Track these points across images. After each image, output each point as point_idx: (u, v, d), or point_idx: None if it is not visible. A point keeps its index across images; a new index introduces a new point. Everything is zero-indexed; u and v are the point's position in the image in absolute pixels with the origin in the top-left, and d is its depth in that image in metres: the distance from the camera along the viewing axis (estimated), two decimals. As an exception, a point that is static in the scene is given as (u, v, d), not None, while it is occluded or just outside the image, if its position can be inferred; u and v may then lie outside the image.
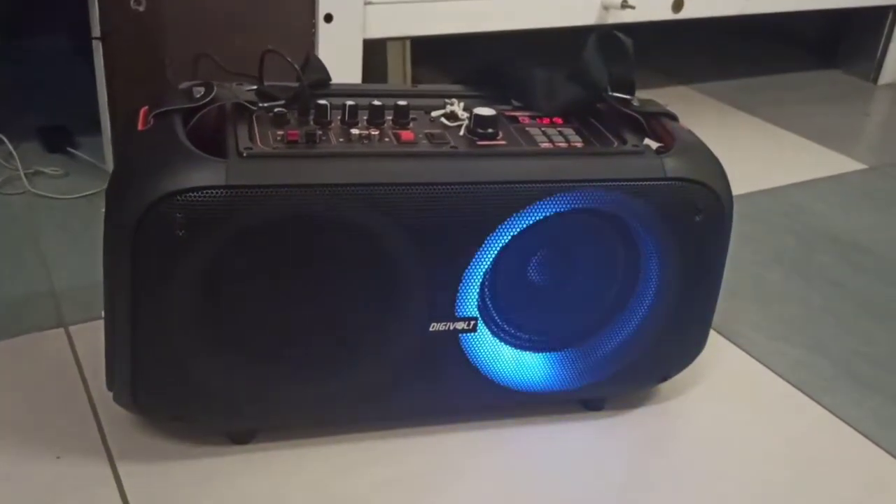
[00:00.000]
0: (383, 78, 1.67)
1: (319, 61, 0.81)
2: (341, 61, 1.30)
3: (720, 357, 0.97)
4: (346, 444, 0.79)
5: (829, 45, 2.14)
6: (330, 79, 0.81)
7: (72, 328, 0.92)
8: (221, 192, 0.65)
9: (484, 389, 0.79)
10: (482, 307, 0.76)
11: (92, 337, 0.89)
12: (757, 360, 0.98)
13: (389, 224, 0.69)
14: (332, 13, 1.27)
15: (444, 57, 1.74)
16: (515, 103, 0.83)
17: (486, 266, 0.73)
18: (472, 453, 0.80)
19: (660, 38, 1.80)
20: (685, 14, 1.62)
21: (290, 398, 0.75)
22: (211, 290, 0.68)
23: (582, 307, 0.80)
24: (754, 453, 0.83)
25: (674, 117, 0.83)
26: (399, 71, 1.67)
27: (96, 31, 1.14)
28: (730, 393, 0.92)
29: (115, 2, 1.11)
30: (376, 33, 1.37)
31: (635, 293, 0.80)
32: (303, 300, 0.71)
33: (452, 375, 0.77)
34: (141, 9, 1.13)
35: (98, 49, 1.15)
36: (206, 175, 0.65)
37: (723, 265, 0.80)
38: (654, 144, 0.80)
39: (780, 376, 0.95)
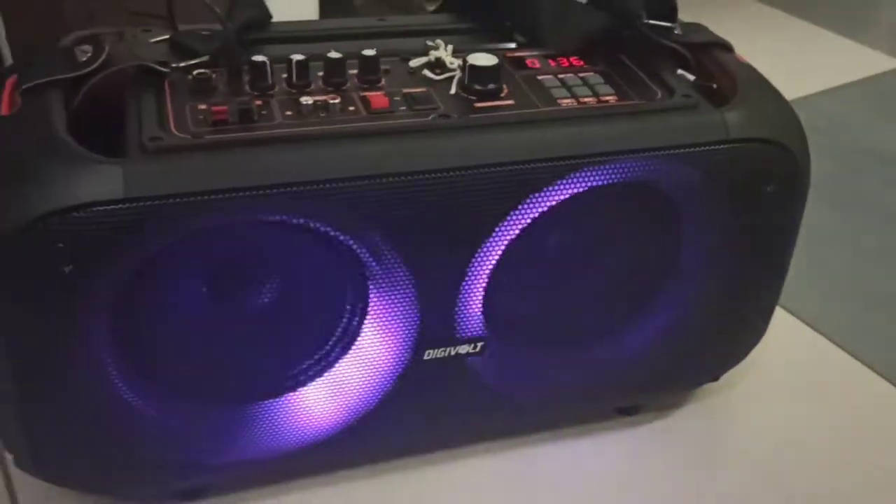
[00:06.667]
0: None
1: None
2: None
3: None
4: (325, 488, 0.63)
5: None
6: (269, 16, 0.60)
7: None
8: (120, 209, 0.45)
9: (499, 411, 0.62)
10: (489, 317, 0.58)
11: None
12: (810, 326, 0.82)
13: (363, 231, 0.50)
14: None
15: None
16: (519, 38, 0.63)
17: (491, 269, 0.55)
18: (483, 486, 0.64)
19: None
20: None
21: (247, 448, 0.58)
22: (121, 333, 0.50)
23: (612, 301, 0.63)
24: (818, 452, 0.68)
25: (728, 47, 0.63)
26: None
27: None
28: (783, 376, 0.76)
29: None
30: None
31: (678, 280, 0.62)
32: (254, 332, 0.53)
33: (459, 401, 0.60)
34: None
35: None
36: (94, 186, 0.45)
37: (794, 241, 0.63)
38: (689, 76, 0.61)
39: (839, 346, 0.80)
